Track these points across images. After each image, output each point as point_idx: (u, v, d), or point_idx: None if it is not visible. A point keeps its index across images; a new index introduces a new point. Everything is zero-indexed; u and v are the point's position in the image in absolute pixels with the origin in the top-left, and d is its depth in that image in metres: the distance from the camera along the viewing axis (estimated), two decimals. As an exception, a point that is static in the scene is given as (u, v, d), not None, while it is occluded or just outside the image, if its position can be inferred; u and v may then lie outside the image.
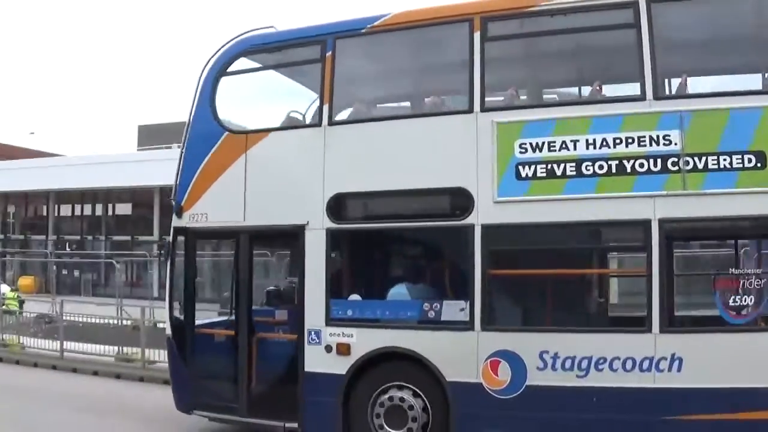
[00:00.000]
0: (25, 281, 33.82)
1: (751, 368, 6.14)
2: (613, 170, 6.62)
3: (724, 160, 6.34)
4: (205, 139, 8.10)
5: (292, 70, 8.54)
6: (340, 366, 7.30)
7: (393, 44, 7.93)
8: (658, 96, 6.59)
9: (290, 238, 7.76)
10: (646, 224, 6.46)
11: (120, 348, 14.12)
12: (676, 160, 6.46)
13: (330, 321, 7.40)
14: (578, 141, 6.73)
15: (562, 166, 6.76)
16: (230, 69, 8.16)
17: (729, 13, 7.00)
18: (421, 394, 7.12)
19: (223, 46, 8.20)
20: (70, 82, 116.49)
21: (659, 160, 6.50)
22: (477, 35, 7.12)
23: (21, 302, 21.36)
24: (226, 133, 8.02)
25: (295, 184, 7.65)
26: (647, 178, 6.53)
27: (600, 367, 6.51)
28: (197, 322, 8.27)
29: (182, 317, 8.21)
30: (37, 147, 66.62)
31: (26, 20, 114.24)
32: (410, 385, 7.16)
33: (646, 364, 6.39)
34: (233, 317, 8.22)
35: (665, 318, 6.39)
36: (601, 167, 6.65)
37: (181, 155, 8.25)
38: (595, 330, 6.83)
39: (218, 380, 8.06)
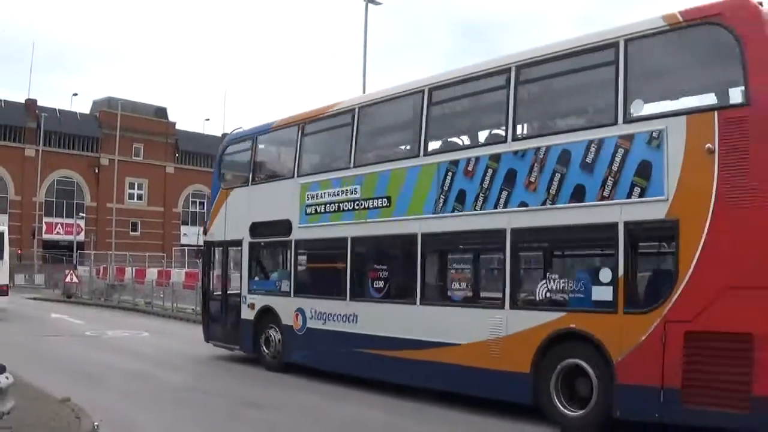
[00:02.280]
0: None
1: (390, 324, 10.79)
2: (335, 209, 11.76)
3: (374, 201, 11.09)
4: (216, 191, 14.98)
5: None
6: (251, 315, 13.55)
7: (275, 138, 13.89)
8: (355, 165, 11.52)
9: (239, 246, 14.12)
10: (345, 240, 11.50)
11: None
12: (357, 203, 11.36)
13: (249, 290, 13.70)
14: (326, 193, 11.99)
15: (319, 207, 12.10)
16: (226, 152, 14.92)
17: (393, 115, 11.54)
18: (279, 331, 12.99)
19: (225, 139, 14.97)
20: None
21: (352, 203, 11.46)
22: (300, 133, 12.73)
23: None
24: (221, 188, 14.76)
25: (241, 217, 14.02)
26: (347, 213, 11.54)
27: (329, 318, 11.76)
28: (213, 292, 15.17)
29: (207, 288, 15.24)
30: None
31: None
32: (275, 326, 13.07)
33: (344, 318, 11.47)
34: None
35: (352, 292, 11.36)
36: (331, 207, 11.84)
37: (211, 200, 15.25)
38: (328, 298, 11.94)
39: (216, 324, 14.83)
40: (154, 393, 11.06)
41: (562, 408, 8.58)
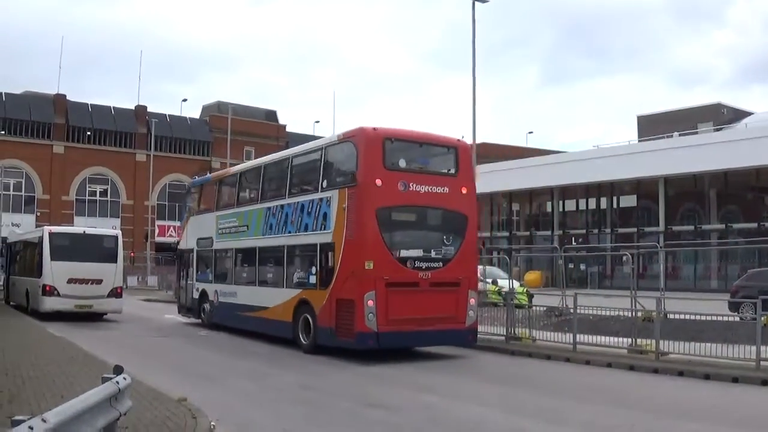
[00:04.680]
0: (531, 276, 34.80)
1: (248, 297, 18.96)
2: (228, 231, 20.08)
3: (242, 228, 19.30)
4: (184, 216, 23.66)
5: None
6: (197, 295, 22.10)
7: (210, 186, 22.37)
8: (236, 206, 19.77)
9: (192, 252, 22.63)
10: (232, 250, 19.80)
11: (633, 339, 14.54)
12: (236, 228, 19.60)
13: (196, 280, 22.27)
14: (225, 221, 20.33)
15: (223, 230, 20.44)
16: (189, 192, 23.69)
17: (252, 178, 19.64)
18: (209, 304, 21.40)
19: (190, 183, 23.65)
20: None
21: (235, 228, 19.72)
22: (218, 184, 21.18)
23: (530, 296, 22.74)
24: (186, 214, 23.41)
25: (194, 233, 22.56)
26: (233, 234, 19.84)
27: (227, 295, 20.09)
28: (181, 283, 23.81)
29: (180, 281, 23.95)
30: (536, 145, 75.69)
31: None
32: (207, 301, 21.49)
33: (232, 294, 19.77)
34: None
35: (235, 280, 19.64)
36: (227, 231, 20.16)
37: (182, 222, 23.93)
38: (226, 283, 20.20)
39: (183, 302, 23.49)
40: (269, 392, 11.18)
41: (302, 340, 16.40)
